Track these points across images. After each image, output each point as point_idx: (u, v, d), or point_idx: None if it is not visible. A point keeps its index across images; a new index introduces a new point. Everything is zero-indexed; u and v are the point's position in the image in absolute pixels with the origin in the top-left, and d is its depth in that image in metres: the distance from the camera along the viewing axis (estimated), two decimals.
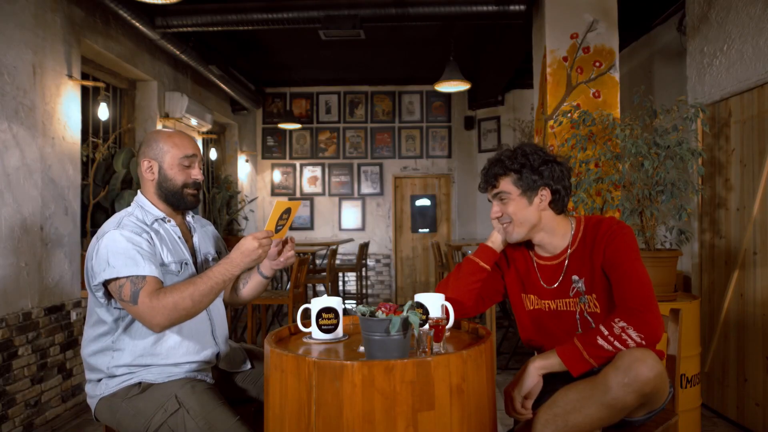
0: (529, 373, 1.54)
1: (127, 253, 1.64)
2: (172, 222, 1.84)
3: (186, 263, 1.81)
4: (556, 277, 1.73)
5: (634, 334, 1.47)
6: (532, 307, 1.80)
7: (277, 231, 1.74)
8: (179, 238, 1.84)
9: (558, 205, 1.69)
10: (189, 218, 1.95)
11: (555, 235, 1.71)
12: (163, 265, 1.73)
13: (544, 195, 1.66)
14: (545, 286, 1.75)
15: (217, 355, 1.88)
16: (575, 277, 1.69)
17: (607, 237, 1.63)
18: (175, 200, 1.82)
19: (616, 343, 1.47)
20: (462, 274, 1.81)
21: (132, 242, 1.66)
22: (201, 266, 1.88)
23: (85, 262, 1.73)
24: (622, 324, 1.48)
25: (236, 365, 1.94)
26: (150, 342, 1.73)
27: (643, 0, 4.31)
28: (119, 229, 1.69)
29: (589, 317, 1.68)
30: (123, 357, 1.72)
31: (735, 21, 3.22)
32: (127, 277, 1.62)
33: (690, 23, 3.70)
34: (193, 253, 1.88)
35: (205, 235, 1.98)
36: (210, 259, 1.93)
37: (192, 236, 1.92)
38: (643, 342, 1.47)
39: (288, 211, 1.76)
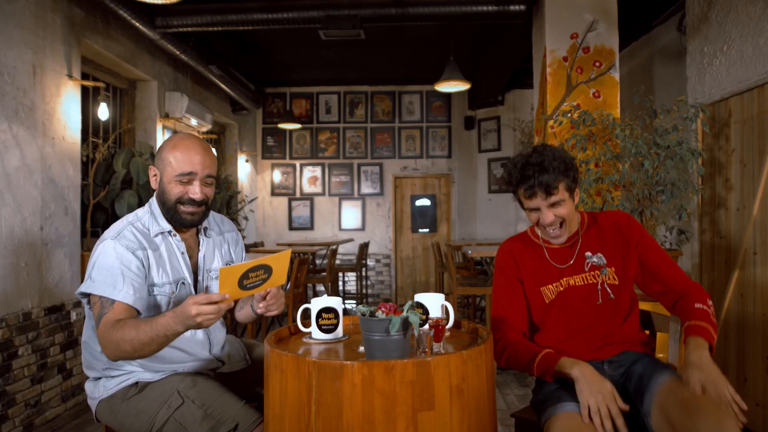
0: (712, 364, 1.54)
1: (111, 271, 1.60)
2: (177, 237, 1.76)
3: (183, 282, 1.74)
4: (570, 256, 1.83)
5: (712, 309, 1.68)
6: (552, 296, 1.82)
7: (248, 288, 1.48)
8: (182, 254, 1.77)
9: None
10: (205, 225, 1.85)
11: (574, 223, 1.84)
12: (153, 285, 1.68)
13: (577, 195, 1.80)
14: (560, 266, 1.83)
15: (215, 367, 1.87)
16: (588, 254, 1.82)
17: (630, 221, 1.84)
18: (170, 216, 1.72)
19: (713, 319, 1.66)
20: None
21: (121, 260, 1.61)
22: (201, 284, 1.81)
23: None
24: (710, 302, 1.69)
25: (235, 364, 1.94)
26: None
27: (643, 0, 4.31)
28: (116, 240, 1.64)
29: (608, 288, 1.79)
30: (117, 363, 1.71)
31: (735, 21, 3.22)
32: (100, 296, 1.59)
33: (690, 23, 3.70)
34: (195, 270, 1.81)
35: (216, 246, 1.88)
36: (215, 276, 1.83)
37: (198, 251, 1.83)
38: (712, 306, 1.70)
39: (262, 267, 1.47)
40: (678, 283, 1.77)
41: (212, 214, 1.92)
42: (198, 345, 1.80)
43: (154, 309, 1.68)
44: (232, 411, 1.58)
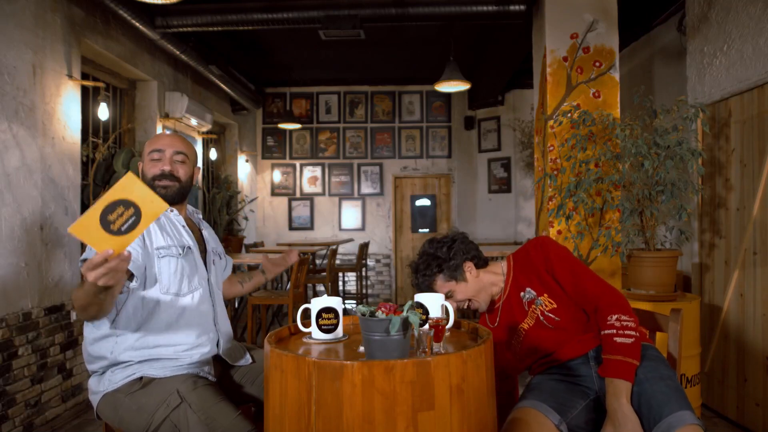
0: (628, 415, 1.54)
1: None
2: (175, 212, 1.94)
3: (189, 248, 1.88)
4: (512, 306, 1.88)
5: (625, 318, 1.65)
6: (519, 347, 1.89)
7: (124, 232, 1.28)
8: (183, 227, 1.92)
9: (481, 262, 1.94)
10: (198, 216, 2.07)
11: (497, 279, 1.93)
12: (161, 248, 1.80)
13: (468, 266, 1.90)
14: (512, 319, 1.88)
15: (218, 343, 1.90)
16: (522, 294, 1.86)
17: (540, 247, 1.85)
18: None
19: (628, 332, 1.62)
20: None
21: None
22: (209, 258, 1.98)
23: None
24: (615, 316, 1.65)
25: (237, 358, 1.97)
26: (150, 324, 1.76)
27: (643, 0, 4.31)
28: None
29: (550, 314, 1.80)
30: (126, 340, 1.75)
31: (735, 21, 3.22)
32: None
33: (690, 23, 3.70)
34: (200, 242, 1.99)
35: (212, 235, 2.11)
36: (217, 252, 2.07)
37: (201, 230, 2.04)
38: (633, 318, 1.66)
39: (120, 204, 1.26)
40: (592, 297, 1.73)
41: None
42: (202, 305, 1.87)
43: (164, 269, 1.79)
44: (225, 420, 1.61)
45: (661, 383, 1.60)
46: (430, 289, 1.89)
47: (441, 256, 1.89)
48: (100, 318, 1.63)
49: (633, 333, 1.62)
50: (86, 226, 1.24)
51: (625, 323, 1.63)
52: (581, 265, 1.81)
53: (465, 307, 1.89)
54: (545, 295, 1.81)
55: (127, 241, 1.28)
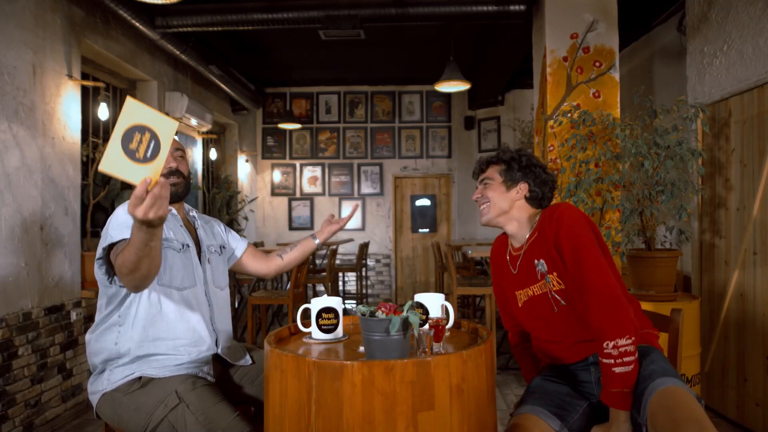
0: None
1: (125, 223, 1.69)
2: (173, 210, 1.94)
3: (187, 245, 1.89)
4: (524, 264, 1.82)
5: (623, 342, 1.54)
6: (521, 304, 1.84)
7: (147, 159, 1.23)
8: (181, 226, 1.93)
9: (534, 202, 1.85)
10: (193, 214, 2.06)
11: (524, 225, 1.85)
12: (165, 239, 1.81)
13: (522, 188, 1.84)
14: (521, 275, 1.83)
15: (216, 342, 1.91)
16: (536, 261, 1.77)
17: (556, 220, 1.72)
18: None
19: (627, 359, 1.54)
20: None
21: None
22: (204, 255, 1.96)
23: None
24: (611, 343, 1.55)
25: (236, 358, 1.97)
26: (151, 313, 1.78)
27: (643, 0, 4.31)
28: (122, 206, 1.77)
29: (557, 295, 1.73)
30: (128, 330, 1.77)
31: (735, 21, 3.22)
32: (120, 241, 1.67)
33: (690, 23, 3.70)
34: (196, 241, 1.97)
35: (210, 230, 2.09)
36: (213, 250, 2.02)
37: (195, 228, 2.03)
38: (633, 338, 1.55)
39: (135, 130, 1.22)
40: (593, 300, 1.60)
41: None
42: (200, 306, 1.86)
43: (168, 259, 1.80)
44: (223, 421, 1.61)
45: (650, 366, 1.59)
46: (485, 166, 1.90)
47: (521, 163, 1.86)
48: (152, 277, 1.55)
49: (631, 358, 1.54)
50: (114, 161, 1.20)
51: (623, 349, 1.54)
52: (589, 249, 1.63)
53: (480, 204, 1.88)
54: (554, 273, 1.71)
55: (159, 166, 1.24)
